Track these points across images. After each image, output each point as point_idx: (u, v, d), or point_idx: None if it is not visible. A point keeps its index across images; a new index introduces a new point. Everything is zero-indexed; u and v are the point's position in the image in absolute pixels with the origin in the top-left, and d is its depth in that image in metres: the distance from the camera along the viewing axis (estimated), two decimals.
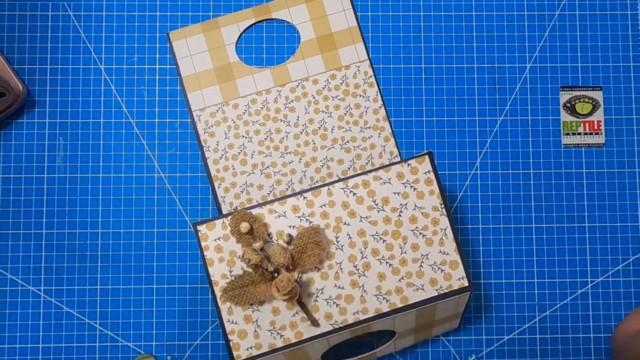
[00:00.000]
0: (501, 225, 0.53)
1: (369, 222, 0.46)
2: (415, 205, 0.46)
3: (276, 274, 0.44)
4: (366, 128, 0.53)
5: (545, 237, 0.53)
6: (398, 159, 0.53)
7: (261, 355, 0.44)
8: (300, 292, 0.44)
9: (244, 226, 0.43)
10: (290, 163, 0.53)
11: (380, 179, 0.46)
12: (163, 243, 0.53)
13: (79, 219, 0.53)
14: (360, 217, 0.46)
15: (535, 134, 0.54)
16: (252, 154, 0.53)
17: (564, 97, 0.54)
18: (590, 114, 0.54)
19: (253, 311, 0.45)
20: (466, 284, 0.45)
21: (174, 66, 0.54)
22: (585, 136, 0.54)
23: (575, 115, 0.54)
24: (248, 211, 0.45)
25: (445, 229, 0.46)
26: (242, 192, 0.52)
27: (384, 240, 0.45)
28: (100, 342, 0.52)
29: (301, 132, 0.53)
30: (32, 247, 0.52)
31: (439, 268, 0.45)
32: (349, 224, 0.46)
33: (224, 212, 0.52)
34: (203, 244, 0.45)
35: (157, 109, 0.54)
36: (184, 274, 0.52)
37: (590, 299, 0.53)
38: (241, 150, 0.53)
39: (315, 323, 0.44)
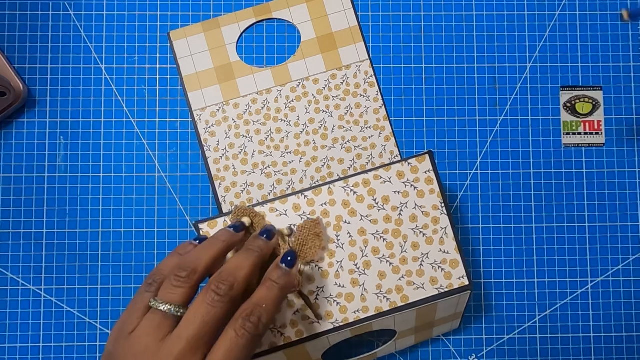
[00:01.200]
0: (501, 225, 0.53)
1: (370, 220, 0.46)
2: (416, 204, 0.46)
3: None
4: (367, 128, 0.53)
5: (545, 237, 0.53)
6: (398, 158, 0.53)
7: (262, 354, 0.44)
8: (302, 284, 0.44)
9: (245, 221, 0.43)
10: (290, 163, 0.53)
11: (381, 178, 0.46)
12: (163, 243, 0.53)
13: (79, 218, 0.53)
14: (361, 215, 0.46)
15: (536, 134, 0.54)
16: (253, 154, 0.53)
17: (564, 97, 0.54)
18: (590, 114, 0.55)
19: None
20: (466, 282, 0.45)
21: (175, 66, 0.54)
22: (586, 136, 0.54)
23: (576, 115, 0.54)
24: (248, 207, 0.45)
25: (446, 227, 0.46)
26: (242, 191, 0.52)
27: (384, 239, 0.45)
28: (100, 342, 0.51)
29: (302, 132, 0.53)
30: (33, 246, 0.52)
31: (439, 267, 0.45)
32: (349, 223, 0.46)
33: (225, 211, 0.52)
34: None
35: (157, 109, 0.54)
36: None
37: (590, 299, 0.53)
38: (242, 150, 0.53)
39: (318, 317, 0.44)
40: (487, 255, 0.53)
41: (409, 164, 0.46)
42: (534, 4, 0.55)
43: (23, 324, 0.52)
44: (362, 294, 0.45)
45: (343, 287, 0.45)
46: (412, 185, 0.46)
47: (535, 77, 0.55)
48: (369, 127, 0.53)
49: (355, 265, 0.45)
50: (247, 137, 0.53)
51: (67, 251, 0.52)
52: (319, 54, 0.54)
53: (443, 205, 0.46)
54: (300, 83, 0.54)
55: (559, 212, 0.54)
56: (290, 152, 0.53)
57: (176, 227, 0.53)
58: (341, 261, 0.45)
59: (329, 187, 0.46)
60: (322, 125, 0.53)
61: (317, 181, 0.52)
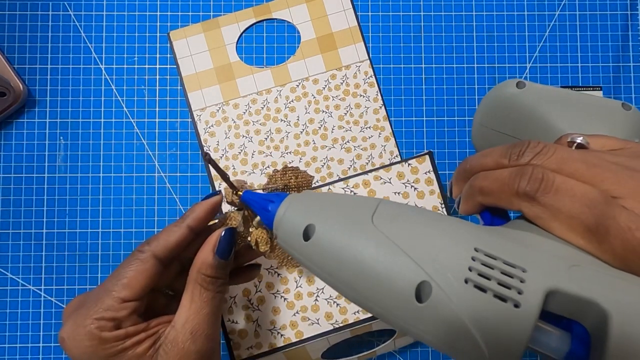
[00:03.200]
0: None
1: None
2: (416, 205, 0.46)
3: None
4: (366, 128, 0.53)
5: None
6: (398, 158, 0.53)
7: (262, 355, 0.44)
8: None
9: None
10: (290, 163, 0.53)
11: (381, 178, 0.46)
12: None
13: (79, 218, 0.53)
14: None
15: None
16: (253, 154, 0.53)
17: None
18: None
19: (253, 311, 0.45)
20: None
21: (175, 66, 0.54)
22: None
23: None
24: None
25: None
26: None
27: None
28: None
29: (301, 132, 0.53)
30: (32, 246, 0.52)
31: None
32: None
33: (224, 211, 0.52)
34: None
35: (157, 109, 0.54)
36: None
37: None
38: (241, 150, 0.53)
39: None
40: None
41: (409, 164, 0.46)
42: (534, 4, 0.55)
43: (23, 324, 0.52)
44: None
45: None
46: (412, 186, 0.46)
47: (535, 77, 0.55)
48: (369, 127, 0.53)
49: None
50: (246, 137, 0.53)
51: (67, 251, 0.52)
52: (319, 54, 0.54)
53: (443, 206, 0.46)
54: (300, 83, 0.53)
55: None
56: (290, 152, 0.53)
57: None
58: None
59: (329, 188, 0.46)
60: (321, 125, 0.53)
61: (317, 181, 0.52)
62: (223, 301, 0.38)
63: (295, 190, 0.43)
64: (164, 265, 0.37)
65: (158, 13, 0.54)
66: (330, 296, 0.45)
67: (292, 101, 0.53)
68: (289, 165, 0.44)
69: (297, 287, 0.45)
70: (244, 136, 0.53)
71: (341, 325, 0.44)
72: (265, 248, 0.40)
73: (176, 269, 0.40)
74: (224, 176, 0.39)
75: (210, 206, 0.39)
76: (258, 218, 0.39)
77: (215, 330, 0.37)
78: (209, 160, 0.36)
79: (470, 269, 0.23)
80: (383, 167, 0.46)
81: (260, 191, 0.41)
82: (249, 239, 0.40)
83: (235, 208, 0.41)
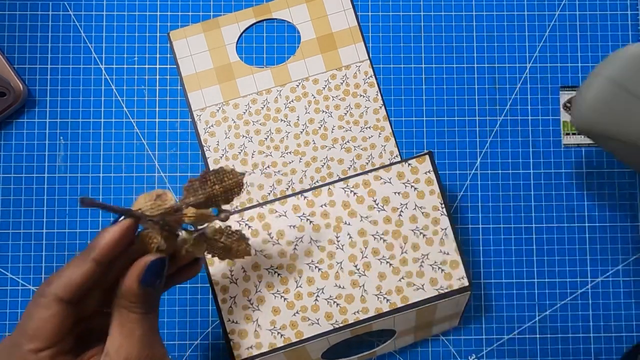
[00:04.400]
0: (501, 225, 0.53)
1: (370, 221, 0.46)
2: (416, 205, 0.46)
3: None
4: (366, 128, 0.53)
5: (545, 237, 0.53)
6: (398, 158, 0.53)
7: (261, 355, 0.44)
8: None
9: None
10: (290, 163, 0.53)
11: (381, 178, 0.46)
12: None
13: (79, 218, 0.53)
14: (361, 216, 0.46)
15: (536, 134, 0.54)
16: (253, 154, 0.53)
17: (564, 97, 0.54)
18: None
19: (253, 311, 0.45)
20: (466, 283, 0.45)
21: (175, 66, 0.54)
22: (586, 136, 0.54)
23: None
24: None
25: (446, 228, 0.46)
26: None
27: (384, 240, 0.45)
28: None
29: (301, 132, 0.53)
30: (32, 247, 0.52)
31: (439, 268, 0.45)
32: (349, 224, 0.46)
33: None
34: None
35: (157, 109, 0.54)
36: None
37: (590, 299, 0.53)
38: (241, 150, 0.53)
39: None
40: (487, 255, 0.53)
41: (409, 164, 0.46)
42: (534, 4, 0.55)
43: None
44: (362, 295, 0.45)
45: (343, 288, 0.45)
46: (412, 186, 0.46)
47: (535, 77, 0.55)
48: (369, 127, 0.53)
49: (355, 266, 0.45)
50: (246, 137, 0.53)
51: (67, 251, 0.52)
52: (319, 54, 0.54)
53: (443, 206, 0.46)
54: (300, 83, 0.53)
55: (559, 212, 0.54)
56: (290, 152, 0.53)
57: None
58: (341, 262, 0.45)
59: (329, 188, 0.46)
60: (321, 125, 0.53)
61: (317, 181, 0.52)
62: (156, 318, 0.35)
63: (223, 198, 0.38)
64: (74, 304, 0.33)
65: (158, 13, 0.54)
66: (330, 296, 0.45)
67: (292, 101, 0.53)
68: (211, 169, 0.38)
69: (297, 287, 0.45)
70: (244, 136, 0.53)
71: (341, 325, 0.44)
72: (201, 254, 0.38)
73: (97, 294, 0.36)
74: (115, 210, 0.33)
75: (119, 234, 0.33)
76: (183, 237, 0.36)
77: (152, 350, 0.34)
78: (88, 204, 0.31)
79: None
80: (383, 167, 0.46)
81: (191, 209, 0.36)
82: (183, 252, 0.37)
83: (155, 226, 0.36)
